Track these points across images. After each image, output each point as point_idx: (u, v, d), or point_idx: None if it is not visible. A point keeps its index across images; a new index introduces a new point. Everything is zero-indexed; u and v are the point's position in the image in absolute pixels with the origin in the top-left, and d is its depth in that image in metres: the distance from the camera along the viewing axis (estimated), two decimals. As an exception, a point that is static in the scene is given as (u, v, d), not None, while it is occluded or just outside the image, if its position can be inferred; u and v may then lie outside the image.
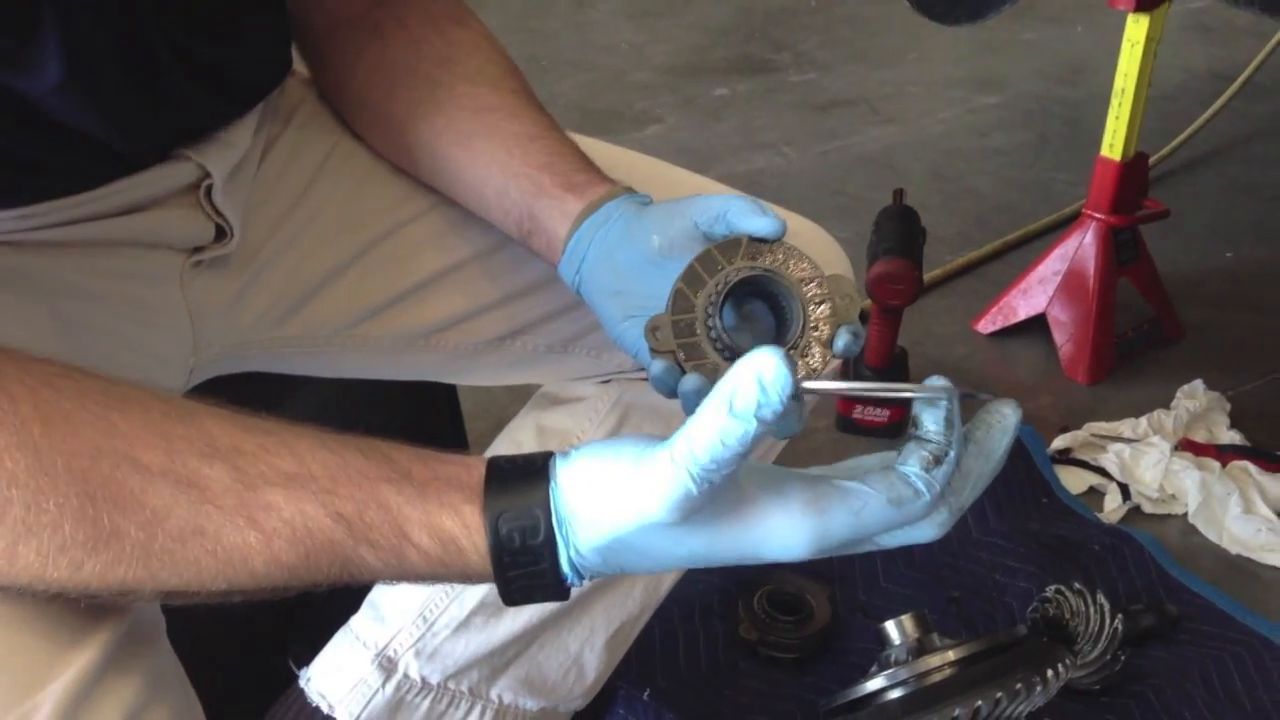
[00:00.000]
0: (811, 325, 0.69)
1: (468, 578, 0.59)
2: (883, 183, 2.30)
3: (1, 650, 0.58)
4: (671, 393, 0.68)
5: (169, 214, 0.80)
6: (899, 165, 2.46)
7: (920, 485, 0.58)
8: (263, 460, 0.57)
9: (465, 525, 0.58)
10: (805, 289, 0.70)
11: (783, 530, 0.57)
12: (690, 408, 0.65)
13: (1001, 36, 3.03)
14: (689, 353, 0.68)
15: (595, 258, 0.78)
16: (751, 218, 0.71)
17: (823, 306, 0.69)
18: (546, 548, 0.58)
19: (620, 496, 0.56)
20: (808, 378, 0.67)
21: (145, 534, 0.55)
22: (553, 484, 0.58)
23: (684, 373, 0.67)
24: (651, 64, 2.91)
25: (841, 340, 0.69)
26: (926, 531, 0.60)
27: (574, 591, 0.61)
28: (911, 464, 0.58)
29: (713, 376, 0.66)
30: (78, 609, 0.60)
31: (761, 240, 0.71)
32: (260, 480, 0.56)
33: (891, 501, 0.57)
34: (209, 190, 0.81)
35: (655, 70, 2.88)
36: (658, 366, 0.68)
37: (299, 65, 0.93)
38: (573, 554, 0.58)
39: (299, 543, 0.56)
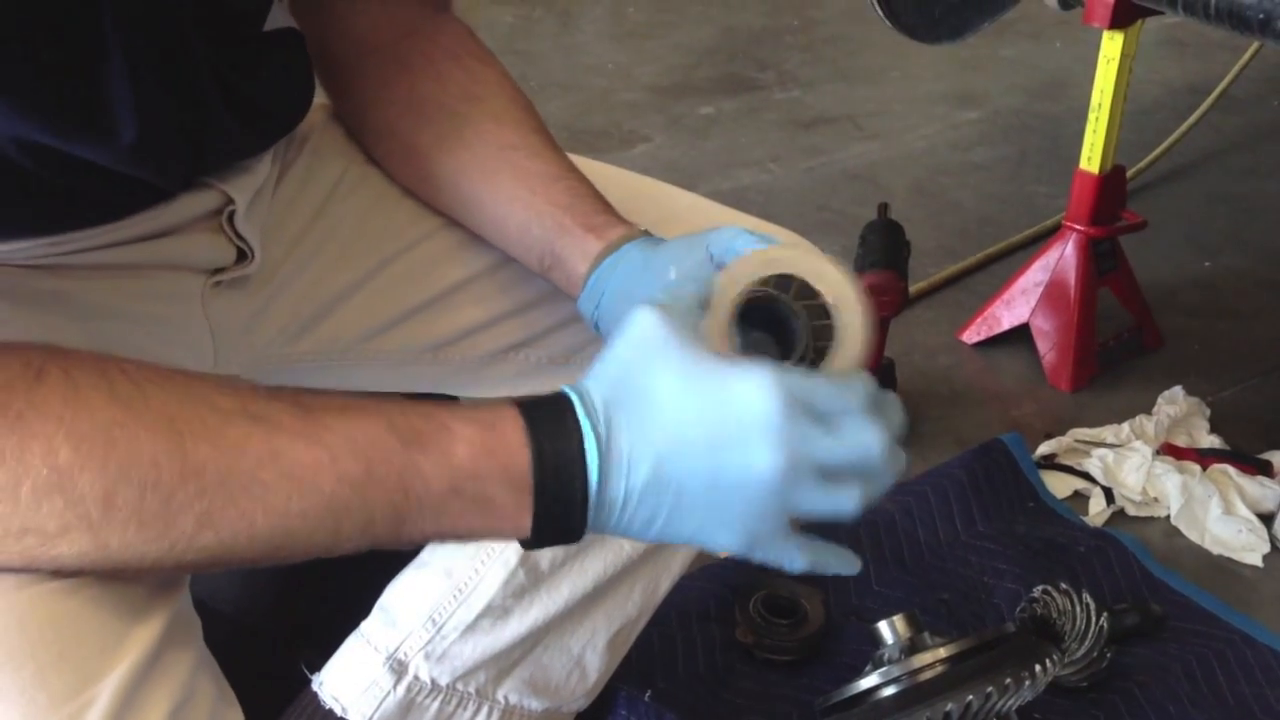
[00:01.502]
0: (814, 348, 0.72)
1: (509, 471, 0.63)
2: (867, 198, 2.33)
3: (59, 644, 0.61)
4: None
5: (193, 238, 0.84)
6: (883, 180, 2.50)
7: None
8: (319, 398, 0.63)
9: (503, 416, 0.65)
10: (809, 312, 0.72)
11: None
12: None
13: (981, 54, 3.07)
14: None
15: (614, 292, 0.82)
16: (758, 247, 0.75)
17: (825, 329, 0.72)
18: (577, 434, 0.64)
19: None
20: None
21: (227, 461, 0.59)
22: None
23: None
24: (638, 84, 2.95)
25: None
26: (848, 504, 0.66)
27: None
28: None
29: None
30: (123, 606, 0.63)
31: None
32: (320, 410, 0.62)
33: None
34: (231, 215, 0.85)
35: (642, 90, 2.91)
36: None
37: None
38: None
39: (360, 455, 0.61)
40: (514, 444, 0.63)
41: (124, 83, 0.70)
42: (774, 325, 0.73)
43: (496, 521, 0.64)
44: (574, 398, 0.64)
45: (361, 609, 1.01)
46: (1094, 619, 1.29)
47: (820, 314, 0.72)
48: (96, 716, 0.62)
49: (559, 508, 0.64)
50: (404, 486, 0.62)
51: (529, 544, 0.66)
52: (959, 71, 3.02)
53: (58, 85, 0.68)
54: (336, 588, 1.16)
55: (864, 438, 0.65)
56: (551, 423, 0.64)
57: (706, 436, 0.63)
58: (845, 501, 0.66)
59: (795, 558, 0.67)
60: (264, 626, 1.16)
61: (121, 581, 0.66)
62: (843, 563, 0.70)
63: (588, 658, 1.05)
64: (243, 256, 0.87)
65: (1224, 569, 1.53)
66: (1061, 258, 1.87)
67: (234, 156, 0.85)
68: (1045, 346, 1.88)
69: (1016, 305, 1.92)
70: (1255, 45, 2.66)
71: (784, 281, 0.72)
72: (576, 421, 0.64)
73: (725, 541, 0.66)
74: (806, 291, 0.73)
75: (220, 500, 0.59)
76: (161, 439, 0.58)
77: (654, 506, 0.64)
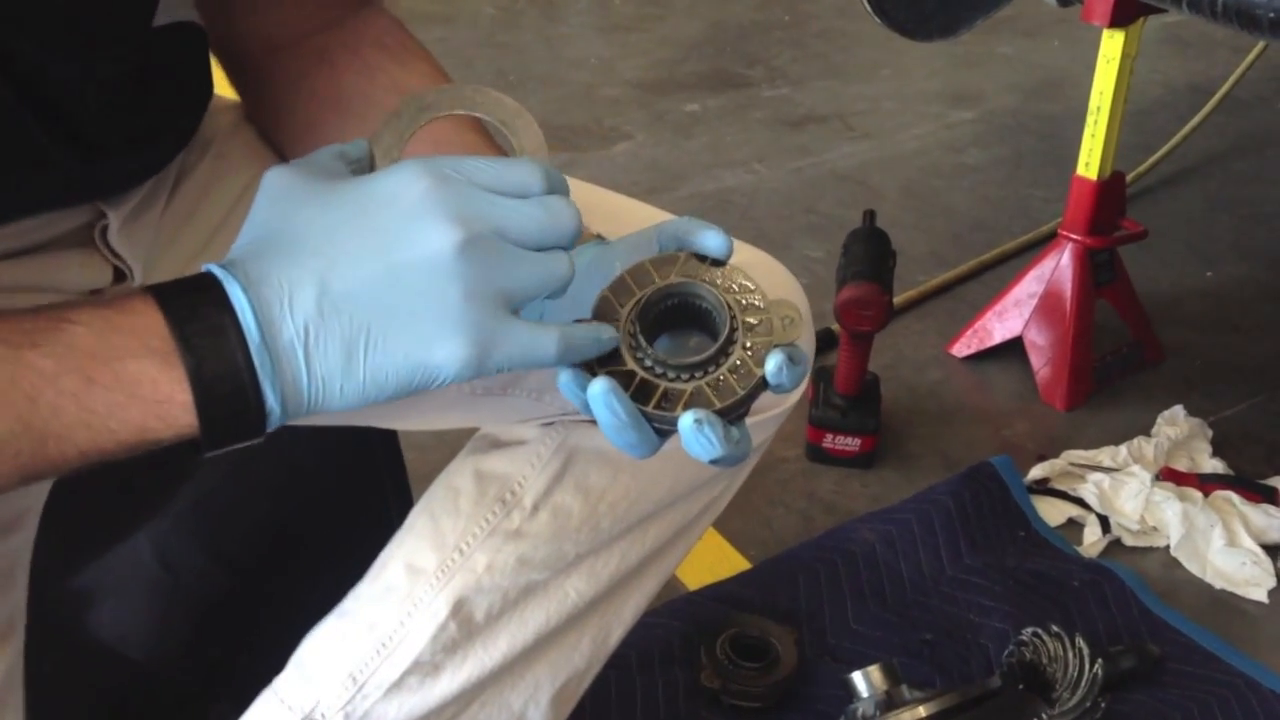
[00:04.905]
0: (744, 345, 0.63)
1: (144, 338, 0.55)
2: (856, 200, 2.25)
3: None
4: (582, 400, 0.62)
5: (62, 257, 0.75)
6: (872, 182, 2.42)
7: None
8: None
9: (127, 293, 0.57)
10: (742, 307, 0.64)
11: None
12: (599, 413, 0.61)
13: (977, 51, 3.00)
14: (603, 359, 0.63)
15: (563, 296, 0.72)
16: (701, 233, 0.65)
17: (759, 326, 0.64)
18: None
19: None
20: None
21: None
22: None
23: (593, 376, 0.62)
24: (621, 79, 2.86)
25: (773, 361, 0.62)
26: (561, 268, 0.61)
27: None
28: None
29: (625, 382, 0.61)
30: None
31: (704, 259, 0.66)
32: None
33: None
34: (105, 230, 0.75)
35: (625, 85, 2.83)
36: (565, 374, 0.62)
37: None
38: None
39: None
40: (142, 309, 0.55)
41: None
42: (696, 319, 0.66)
43: (157, 407, 0.55)
44: (207, 266, 0.57)
45: (276, 664, 0.92)
46: (1087, 666, 1.20)
47: (752, 307, 0.64)
48: None
49: (219, 366, 0.55)
50: (27, 395, 0.53)
51: (211, 429, 0.56)
52: (953, 69, 2.95)
53: None
54: (256, 636, 1.07)
55: (549, 202, 0.60)
56: (183, 285, 0.56)
57: (365, 236, 0.57)
58: (557, 266, 0.60)
59: (545, 345, 0.59)
60: (176, 676, 1.07)
61: None
62: (594, 338, 0.62)
63: (530, 714, 0.96)
64: (121, 277, 0.77)
65: (1227, 605, 1.45)
66: (1057, 268, 1.78)
67: (106, 189, 0.75)
68: (1039, 362, 1.80)
69: (1009, 317, 1.84)
70: (1261, 45, 2.58)
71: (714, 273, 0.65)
72: (212, 276, 0.56)
73: (451, 350, 0.57)
74: (738, 285, 0.65)
75: None
76: None
77: (344, 335, 0.56)
